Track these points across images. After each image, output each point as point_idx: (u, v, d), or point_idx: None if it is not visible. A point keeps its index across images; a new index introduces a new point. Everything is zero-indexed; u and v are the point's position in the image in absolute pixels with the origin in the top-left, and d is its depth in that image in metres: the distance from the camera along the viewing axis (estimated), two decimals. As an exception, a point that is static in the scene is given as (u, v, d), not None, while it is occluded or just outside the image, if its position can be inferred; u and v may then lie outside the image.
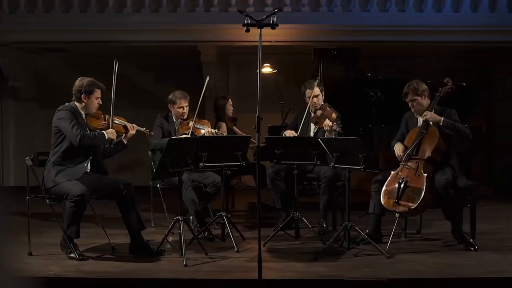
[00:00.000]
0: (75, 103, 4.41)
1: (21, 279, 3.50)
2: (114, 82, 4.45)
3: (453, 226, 4.46)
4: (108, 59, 9.67)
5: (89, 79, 4.42)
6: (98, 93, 4.40)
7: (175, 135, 5.34)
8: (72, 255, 4.15)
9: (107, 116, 4.48)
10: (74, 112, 4.34)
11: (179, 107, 5.31)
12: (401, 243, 4.69)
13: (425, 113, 4.58)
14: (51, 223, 5.09)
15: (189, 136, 5.18)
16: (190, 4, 7.91)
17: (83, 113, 4.41)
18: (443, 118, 4.51)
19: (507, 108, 9.12)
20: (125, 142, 4.55)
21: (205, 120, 5.45)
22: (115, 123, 4.49)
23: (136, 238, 4.34)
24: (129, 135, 4.54)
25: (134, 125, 4.59)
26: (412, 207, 4.33)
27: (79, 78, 4.44)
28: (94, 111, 4.44)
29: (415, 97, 4.64)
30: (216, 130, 5.31)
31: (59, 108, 4.38)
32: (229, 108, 6.31)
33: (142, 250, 4.30)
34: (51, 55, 9.26)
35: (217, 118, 6.28)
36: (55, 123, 4.34)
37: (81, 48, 8.85)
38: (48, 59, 9.39)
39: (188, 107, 5.36)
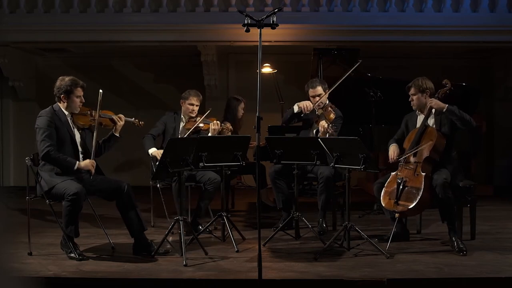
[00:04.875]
0: (58, 104, 4.38)
1: (21, 279, 3.50)
2: (98, 109, 4.40)
3: (449, 228, 4.44)
4: (108, 59, 9.73)
5: (69, 78, 4.37)
6: (78, 91, 4.35)
7: (179, 131, 5.38)
8: (72, 255, 4.15)
9: (93, 112, 4.44)
10: (53, 116, 4.28)
11: (190, 104, 5.39)
12: (401, 243, 4.68)
13: (430, 100, 4.61)
14: (51, 223, 5.11)
15: (192, 128, 5.25)
16: (190, 4, 7.92)
17: (67, 113, 4.37)
18: (447, 105, 4.53)
19: (507, 108, 9.13)
20: (117, 135, 4.54)
21: (212, 118, 5.48)
22: (102, 117, 4.46)
23: (138, 238, 4.34)
24: (118, 127, 4.52)
25: (121, 115, 4.55)
26: (410, 207, 4.33)
27: (60, 78, 4.40)
28: (78, 110, 4.39)
29: (417, 93, 4.68)
30: (222, 123, 5.34)
31: (39, 113, 4.33)
32: (240, 111, 6.35)
33: (145, 251, 4.29)
34: (51, 55, 9.27)
35: (224, 118, 6.31)
36: (35, 129, 4.32)
37: (81, 48, 8.85)
38: (48, 59, 9.39)
39: (198, 107, 5.43)
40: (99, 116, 4.42)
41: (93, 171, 4.33)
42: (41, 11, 7.87)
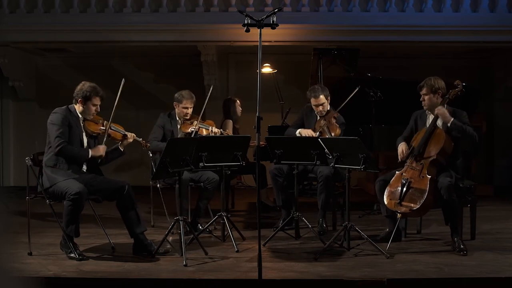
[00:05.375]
0: (74, 105, 4.44)
1: (21, 279, 3.51)
2: (118, 97, 4.46)
3: (451, 230, 4.44)
4: (108, 59, 9.72)
5: (90, 84, 4.43)
6: (96, 100, 4.41)
7: (177, 134, 5.36)
8: (72, 255, 4.16)
9: (105, 122, 4.50)
10: (68, 116, 4.34)
11: (184, 107, 5.34)
12: (401, 243, 4.68)
13: (439, 107, 4.56)
14: (51, 223, 5.10)
15: (190, 133, 5.22)
16: (190, 4, 7.92)
17: (81, 116, 4.42)
18: (452, 118, 4.49)
19: (507, 108, 9.13)
20: (122, 150, 4.58)
21: (210, 121, 5.46)
22: (112, 129, 4.50)
23: (138, 239, 4.34)
24: (125, 143, 4.57)
25: (133, 134, 4.62)
26: (414, 209, 4.32)
27: (82, 82, 4.47)
28: (92, 117, 4.45)
29: (429, 94, 4.64)
30: (222, 130, 5.33)
31: (54, 110, 4.40)
32: (239, 108, 6.41)
33: (145, 251, 4.29)
34: (51, 55, 9.27)
35: (225, 117, 6.34)
36: (47, 125, 4.36)
37: (81, 48, 8.85)
38: (48, 59, 9.40)
39: (192, 108, 5.38)
40: (110, 128, 4.46)
41: (103, 154, 4.42)
42: (41, 11, 7.87)
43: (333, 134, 5.10)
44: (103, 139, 4.47)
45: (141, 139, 4.75)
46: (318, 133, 5.19)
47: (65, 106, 4.43)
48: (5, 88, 9.28)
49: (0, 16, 7.78)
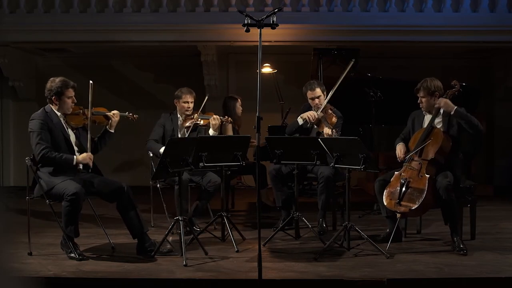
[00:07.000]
0: (50, 105, 4.36)
1: (21, 279, 3.50)
2: (90, 107, 4.39)
3: (451, 230, 4.44)
4: (108, 59, 9.72)
5: (60, 79, 4.33)
6: (69, 92, 4.32)
7: (178, 131, 5.36)
8: (72, 255, 4.15)
9: (86, 110, 4.41)
10: (45, 119, 4.26)
11: (184, 102, 5.34)
12: (401, 243, 4.68)
13: (439, 100, 4.56)
14: (51, 223, 5.10)
15: (191, 125, 5.21)
16: (190, 4, 7.92)
17: (59, 113, 4.35)
18: (456, 107, 4.49)
19: (507, 108, 9.13)
20: (112, 131, 4.52)
21: (210, 112, 5.46)
22: (95, 115, 4.44)
23: (141, 239, 4.32)
24: (113, 123, 4.50)
25: (116, 111, 4.54)
26: (413, 208, 4.33)
27: (50, 79, 4.36)
28: (71, 110, 4.36)
29: (426, 96, 4.65)
30: (221, 118, 5.31)
31: (32, 116, 4.32)
32: (239, 108, 6.37)
33: (149, 251, 4.27)
34: (51, 55, 9.27)
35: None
36: (29, 133, 4.29)
37: (81, 48, 8.86)
38: (48, 59, 9.40)
39: (193, 103, 5.38)
40: (92, 114, 4.41)
41: (91, 164, 4.33)
42: (41, 11, 7.87)
43: (328, 122, 5.09)
44: (89, 126, 4.38)
45: (126, 113, 4.67)
46: (316, 125, 5.18)
47: (41, 109, 4.35)
48: (5, 88, 9.29)
49: (0, 16, 7.78)
